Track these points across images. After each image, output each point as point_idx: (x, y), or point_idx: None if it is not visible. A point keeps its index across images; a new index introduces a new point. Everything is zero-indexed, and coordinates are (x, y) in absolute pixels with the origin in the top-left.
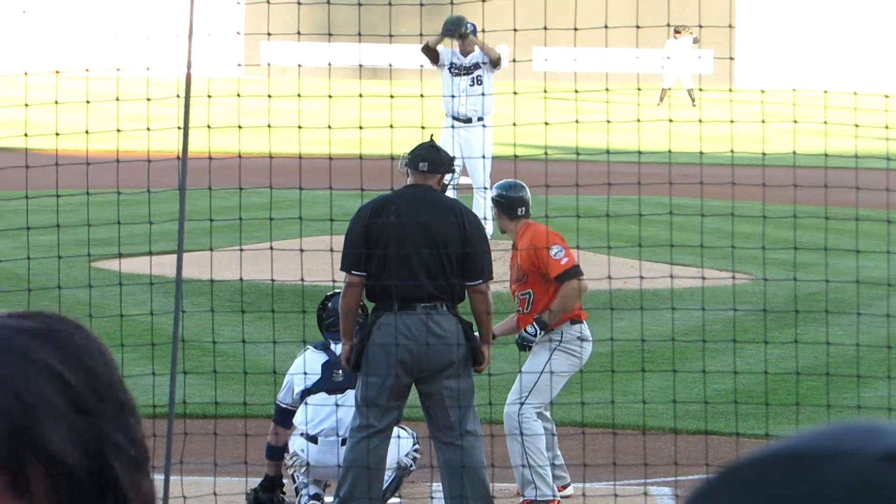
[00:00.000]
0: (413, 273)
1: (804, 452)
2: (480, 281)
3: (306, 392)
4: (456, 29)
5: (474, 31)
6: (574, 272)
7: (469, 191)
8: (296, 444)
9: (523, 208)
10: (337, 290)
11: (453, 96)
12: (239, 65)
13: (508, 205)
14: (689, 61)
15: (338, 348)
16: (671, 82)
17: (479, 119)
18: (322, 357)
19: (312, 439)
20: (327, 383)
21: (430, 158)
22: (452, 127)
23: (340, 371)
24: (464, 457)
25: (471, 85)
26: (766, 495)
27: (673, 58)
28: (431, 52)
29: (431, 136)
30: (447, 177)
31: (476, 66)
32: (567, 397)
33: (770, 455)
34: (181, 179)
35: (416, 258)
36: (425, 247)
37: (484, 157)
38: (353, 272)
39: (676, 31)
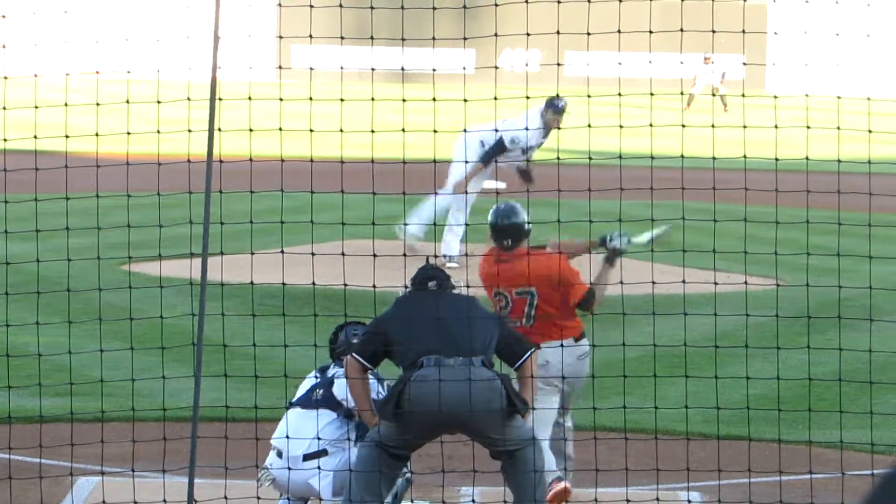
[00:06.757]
0: (443, 334)
1: None
2: (531, 351)
3: (290, 405)
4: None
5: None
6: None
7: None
8: (269, 457)
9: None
10: (349, 321)
11: (497, 162)
12: (250, 68)
13: (516, 230)
14: (722, 75)
15: (332, 371)
16: (700, 88)
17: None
18: (315, 379)
19: (279, 453)
20: (304, 400)
21: (437, 276)
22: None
23: (321, 391)
24: (523, 463)
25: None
26: None
27: (701, 79)
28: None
29: (427, 258)
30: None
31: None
32: (602, 402)
33: None
34: (207, 183)
35: (445, 323)
36: (453, 316)
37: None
38: (355, 354)
39: (706, 59)
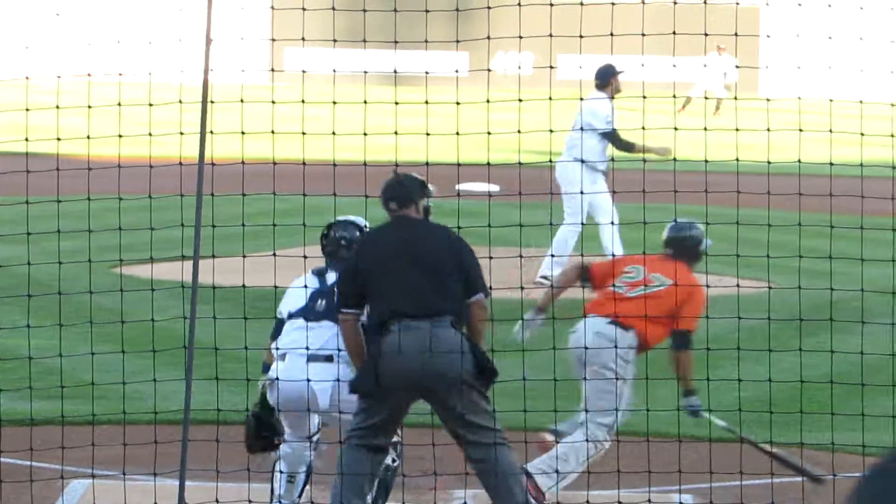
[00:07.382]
0: (411, 291)
1: None
2: (482, 295)
3: (290, 315)
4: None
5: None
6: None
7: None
8: (271, 367)
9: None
10: (340, 218)
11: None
12: (242, 70)
13: (676, 243)
14: (724, 75)
15: (331, 280)
16: (699, 92)
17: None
18: (315, 284)
19: (282, 357)
20: (308, 311)
21: (396, 194)
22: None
23: (324, 302)
24: (496, 464)
25: None
26: None
27: (710, 70)
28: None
29: (394, 169)
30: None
31: None
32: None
33: None
34: (198, 185)
35: (412, 277)
36: (420, 265)
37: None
38: (343, 310)
39: (720, 47)
